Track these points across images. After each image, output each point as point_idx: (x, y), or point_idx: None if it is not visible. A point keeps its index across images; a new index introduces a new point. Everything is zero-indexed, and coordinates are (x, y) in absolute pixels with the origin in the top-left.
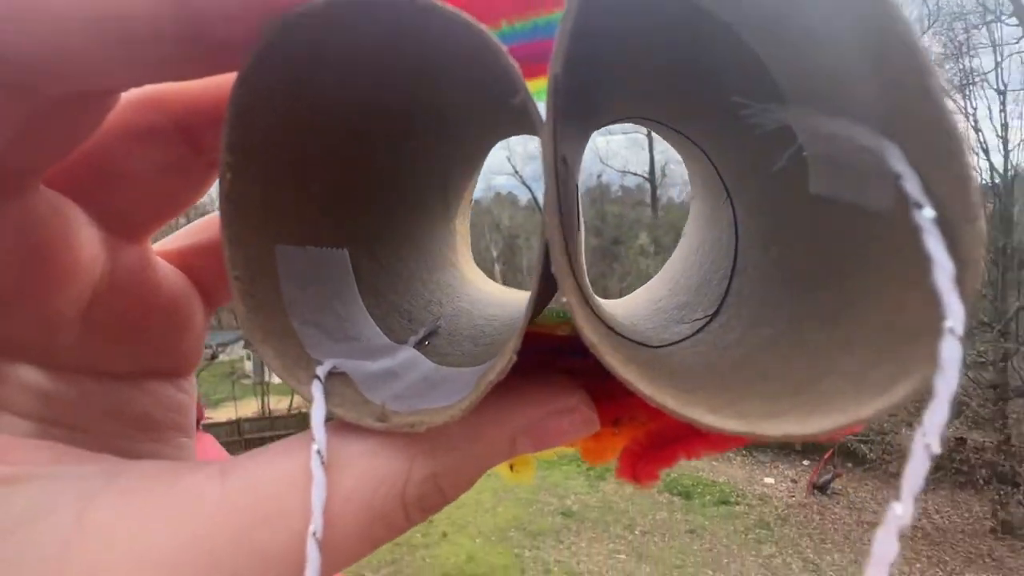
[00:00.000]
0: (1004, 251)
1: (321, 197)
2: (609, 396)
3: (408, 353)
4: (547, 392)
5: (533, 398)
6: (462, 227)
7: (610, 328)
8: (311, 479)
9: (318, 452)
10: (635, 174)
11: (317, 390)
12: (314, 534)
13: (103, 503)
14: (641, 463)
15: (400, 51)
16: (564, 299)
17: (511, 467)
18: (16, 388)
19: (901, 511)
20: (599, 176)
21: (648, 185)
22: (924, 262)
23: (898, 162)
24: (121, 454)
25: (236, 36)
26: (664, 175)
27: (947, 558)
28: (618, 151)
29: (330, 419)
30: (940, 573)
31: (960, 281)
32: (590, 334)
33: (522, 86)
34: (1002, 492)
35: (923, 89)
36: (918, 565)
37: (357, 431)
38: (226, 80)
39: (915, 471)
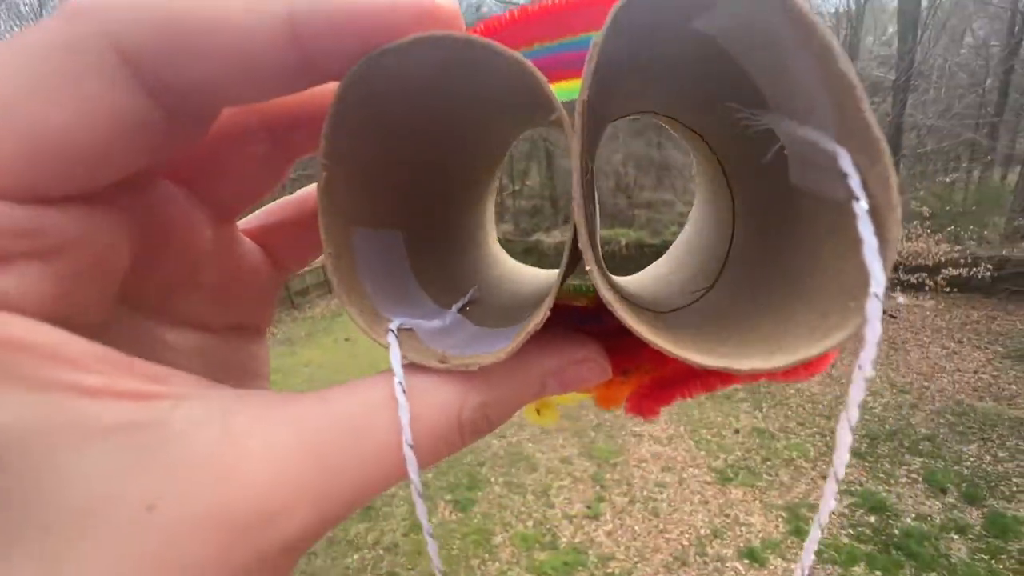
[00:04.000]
0: None
1: (385, 191)
2: (620, 351)
3: (454, 316)
4: (569, 345)
5: (558, 348)
6: (489, 210)
7: (623, 296)
8: (393, 403)
9: (399, 384)
10: None
11: (392, 339)
12: (408, 443)
13: (240, 418)
14: (646, 401)
15: (453, 75)
16: (588, 268)
17: (537, 411)
18: (149, 340)
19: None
20: None
21: None
22: (859, 241)
23: (846, 163)
24: None
25: (335, 68)
26: None
27: None
28: None
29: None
30: None
31: (883, 255)
32: (608, 295)
33: (558, 107)
34: None
35: (857, 108)
36: None
37: (423, 370)
38: (306, 91)
39: (856, 394)
